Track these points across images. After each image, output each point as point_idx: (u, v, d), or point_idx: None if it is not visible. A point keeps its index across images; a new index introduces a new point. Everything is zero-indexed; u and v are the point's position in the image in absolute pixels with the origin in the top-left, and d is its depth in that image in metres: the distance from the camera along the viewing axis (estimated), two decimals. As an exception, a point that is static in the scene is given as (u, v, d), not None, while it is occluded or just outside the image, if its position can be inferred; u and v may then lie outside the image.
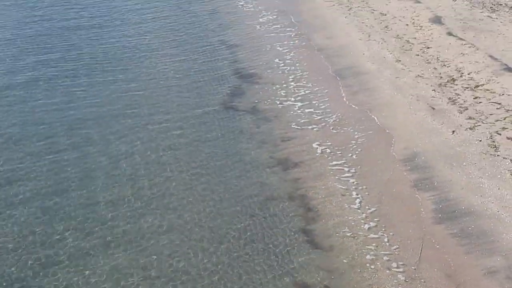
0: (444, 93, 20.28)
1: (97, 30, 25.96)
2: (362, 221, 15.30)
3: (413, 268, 13.69)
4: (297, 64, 22.83)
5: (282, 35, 24.92)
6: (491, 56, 21.98)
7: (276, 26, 25.59)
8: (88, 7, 28.69)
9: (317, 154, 18.00)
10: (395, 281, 13.38)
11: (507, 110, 19.11)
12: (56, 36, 25.55)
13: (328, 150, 18.20)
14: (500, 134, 18.09)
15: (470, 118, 18.95)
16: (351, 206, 15.85)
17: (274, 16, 26.40)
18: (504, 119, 18.75)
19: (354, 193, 16.35)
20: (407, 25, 24.52)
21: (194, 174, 17.35)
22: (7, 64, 23.27)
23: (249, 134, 19.02)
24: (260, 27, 25.67)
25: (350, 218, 15.39)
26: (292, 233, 15.06)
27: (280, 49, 23.91)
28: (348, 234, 14.87)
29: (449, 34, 23.60)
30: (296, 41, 24.37)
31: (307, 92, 21.17)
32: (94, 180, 16.79)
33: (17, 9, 28.92)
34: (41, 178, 16.88)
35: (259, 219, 15.54)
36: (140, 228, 15.20)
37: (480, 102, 19.63)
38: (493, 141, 17.85)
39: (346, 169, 17.36)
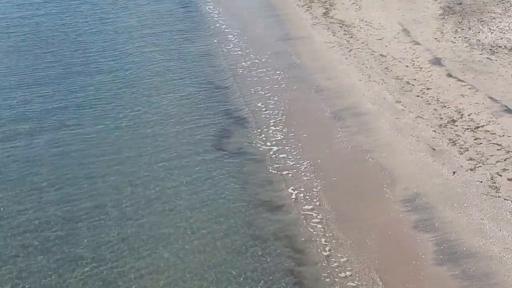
0: (444, 134, 20.25)
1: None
2: (360, 262, 15.12)
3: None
4: (293, 106, 22.84)
5: (279, 77, 24.99)
6: (491, 98, 22.02)
7: (274, 66, 25.69)
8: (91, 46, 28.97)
9: (311, 194, 17.90)
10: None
11: (508, 152, 19.05)
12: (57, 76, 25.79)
13: (322, 192, 18.10)
14: (501, 176, 18.00)
15: (470, 159, 18.88)
16: (345, 246, 15.69)
17: (270, 58, 26.52)
18: (505, 160, 18.69)
19: (349, 233, 16.21)
20: (407, 66, 24.64)
21: (180, 213, 17.29)
22: None
23: (235, 175, 18.99)
24: (256, 68, 25.77)
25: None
26: (280, 274, 14.96)
27: (276, 90, 23.95)
28: (342, 275, 14.70)
29: (449, 75, 23.69)
30: (294, 82, 24.44)
31: (302, 134, 21.15)
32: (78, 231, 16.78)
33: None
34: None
35: (246, 258, 15.47)
36: (126, 265, 15.10)
37: (481, 143, 19.58)
38: (494, 183, 17.75)
39: (344, 210, 17.24)
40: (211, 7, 31.91)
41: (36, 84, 24.29)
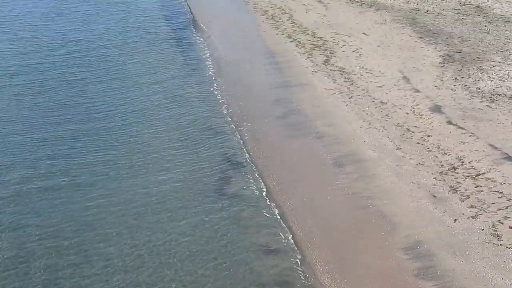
0: (445, 181, 20.21)
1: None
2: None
3: None
4: (294, 152, 22.85)
5: (280, 122, 25.05)
6: (491, 145, 22.04)
7: (274, 112, 25.77)
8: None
9: (310, 240, 17.77)
10: None
11: (509, 199, 18.98)
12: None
13: (321, 238, 17.97)
14: (502, 223, 17.90)
15: (472, 206, 18.80)
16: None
17: (271, 104, 26.63)
18: (506, 208, 18.61)
19: (350, 281, 16.03)
20: (407, 113, 24.73)
21: (184, 258, 17.18)
22: None
23: (235, 220, 18.94)
24: (257, 114, 25.85)
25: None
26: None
27: (277, 136, 23.98)
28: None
29: (449, 123, 23.76)
30: (295, 129, 24.48)
31: (302, 180, 21.11)
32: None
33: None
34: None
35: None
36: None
37: (482, 191, 19.53)
38: (496, 230, 17.64)
39: (344, 257, 17.09)
40: (212, 54, 32.10)
41: (41, 131, 24.33)
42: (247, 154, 22.85)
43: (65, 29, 34.12)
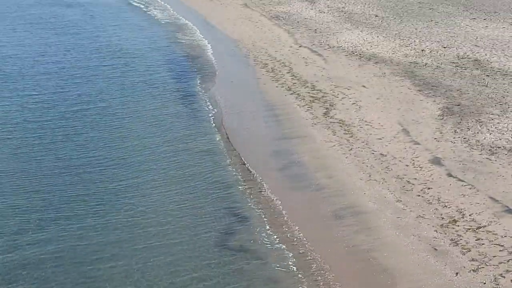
0: (446, 234, 20.11)
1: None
2: None
3: None
4: (294, 204, 22.81)
5: (280, 174, 25.06)
6: (491, 198, 22.00)
7: (275, 164, 25.81)
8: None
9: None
10: None
11: (510, 253, 18.85)
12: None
13: (328, 291, 17.81)
14: (504, 277, 17.74)
15: (473, 260, 18.66)
16: None
17: (272, 156, 26.67)
18: (508, 261, 18.46)
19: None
20: (407, 165, 24.76)
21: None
22: None
23: (239, 274, 18.79)
24: (258, 166, 25.87)
25: None
26: None
27: (277, 188, 23.96)
28: None
29: (449, 175, 23.76)
30: (295, 181, 24.47)
31: (302, 233, 21.01)
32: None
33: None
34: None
35: None
36: None
37: (483, 244, 19.41)
38: (498, 284, 17.47)
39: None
40: (212, 106, 32.31)
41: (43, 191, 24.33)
42: (249, 206, 22.79)
43: (66, 83, 34.22)
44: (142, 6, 54.37)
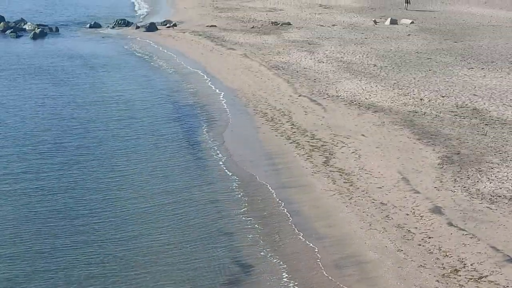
0: (448, 284, 19.93)
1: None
2: None
3: None
4: (294, 254, 22.68)
5: (279, 225, 24.99)
6: (493, 247, 21.87)
7: (273, 216, 25.75)
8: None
9: None
10: None
11: (513, 303, 18.66)
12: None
13: None
14: (507, 328, 17.52)
15: (475, 310, 18.46)
16: None
17: (272, 206, 26.62)
18: (511, 312, 18.26)
19: None
20: (407, 214, 24.70)
21: None
22: None
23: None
24: (258, 215, 25.79)
25: None
26: None
27: (277, 238, 23.87)
28: None
29: (450, 224, 23.68)
30: (294, 230, 24.41)
31: (303, 283, 20.85)
32: None
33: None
34: None
35: None
36: None
37: (485, 294, 19.23)
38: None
39: None
40: (210, 156, 32.34)
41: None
42: (250, 256, 22.66)
43: (65, 135, 34.05)
44: (146, 57, 54.90)
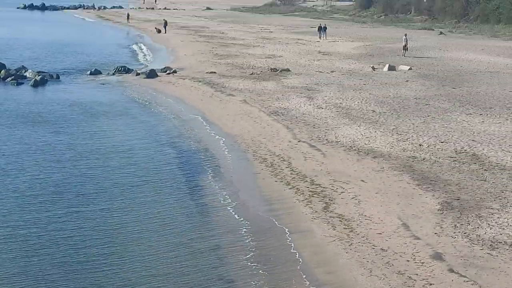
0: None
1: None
2: None
3: None
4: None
5: (278, 270, 24.80)
6: (495, 294, 21.68)
7: (274, 261, 25.57)
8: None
9: None
10: None
11: None
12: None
13: None
14: None
15: None
16: None
17: (272, 252, 26.45)
18: None
19: None
20: (408, 261, 24.52)
21: None
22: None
23: None
24: (259, 264, 25.62)
25: None
26: None
27: (276, 285, 23.67)
28: None
29: (451, 271, 23.49)
30: (293, 276, 24.22)
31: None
32: None
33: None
34: None
35: None
36: None
37: None
38: None
39: None
40: (210, 202, 32.30)
41: None
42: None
43: (64, 183, 33.76)
44: (146, 104, 55.36)
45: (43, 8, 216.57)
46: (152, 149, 40.99)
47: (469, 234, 26.50)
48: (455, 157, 36.89)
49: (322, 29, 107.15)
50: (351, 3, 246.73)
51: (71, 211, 30.39)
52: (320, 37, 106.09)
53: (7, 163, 36.73)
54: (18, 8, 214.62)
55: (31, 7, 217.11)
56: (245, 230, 28.50)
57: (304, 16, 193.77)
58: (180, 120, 48.84)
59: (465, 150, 38.20)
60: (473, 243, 25.66)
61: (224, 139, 42.58)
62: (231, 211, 30.65)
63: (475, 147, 38.74)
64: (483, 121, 45.48)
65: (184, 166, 37.56)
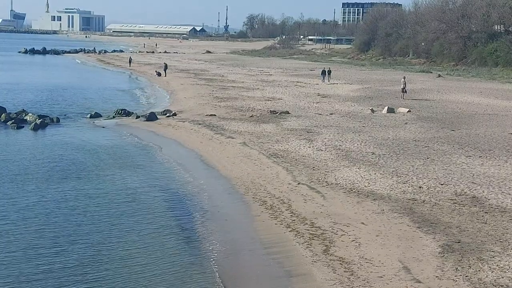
0: None
1: None
2: None
3: None
4: None
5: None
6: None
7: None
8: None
9: None
10: None
11: None
12: None
13: None
14: None
15: None
16: None
17: (275, 295, 26.17)
18: None
19: None
20: (409, 305, 24.23)
21: None
22: None
23: None
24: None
25: None
26: None
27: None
28: None
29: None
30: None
31: None
32: None
33: None
34: None
35: None
36: None
37: None
38: None
39: None
40: (209, 248, 32.07)
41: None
42: None
43: (65, 232, 33.35)
44: (145, 147, 55.42)
45: (44, 52, 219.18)
46: (149, 194, 40.74)
47: (470, 277, 26.25)
48: (455, 200, 36.76)
49: (326, 73, 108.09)
50: (350, 46, 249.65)
51: (70, 263, 30.14)
52: (323, 81, 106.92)
53: (7, 210, 36.43)
54: (19, 52, 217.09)
55: (32, 51, 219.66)
56: (242, 273, 28.24)
57: (303, 59, 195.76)
58: (180, 163, 48.80)
59: (465, 193, 38.10)
60: (475, 287, 25.39)
61: (223, 181, 42.50)
62: (227, 254, 30.41)
63: (475, 190, 38.65)
64: (482, 163, 45.47)
65: (182, 210, 37.36)
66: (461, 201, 36.45)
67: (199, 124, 63.14)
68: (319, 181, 40.98)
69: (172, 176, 44.83)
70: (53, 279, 27.44)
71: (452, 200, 36.75)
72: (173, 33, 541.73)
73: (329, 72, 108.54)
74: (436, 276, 26.57)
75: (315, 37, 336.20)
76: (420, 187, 39.30)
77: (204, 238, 32.60)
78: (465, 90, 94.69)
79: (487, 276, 26.34)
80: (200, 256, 30.38)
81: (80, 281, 27.15)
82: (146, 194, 40.36)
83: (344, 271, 27.65)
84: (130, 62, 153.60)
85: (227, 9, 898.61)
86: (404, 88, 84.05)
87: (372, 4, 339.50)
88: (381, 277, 26.82)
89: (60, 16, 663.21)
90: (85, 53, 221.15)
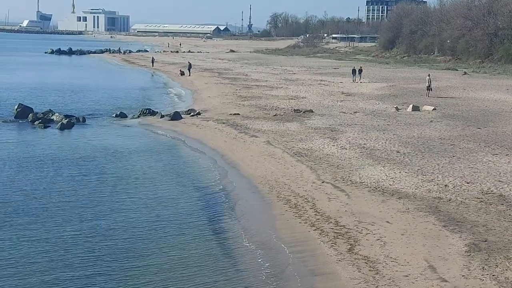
0: None
1: None
2: None
3: None
4: None
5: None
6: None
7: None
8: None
9: None
10: None
11: None
12: None
13: None
14: None
15: None
16: None
17: (300, 294, 26.14)
18: None
19: None
20: (435, 304, 24.06)
21: None
22: None
23: None
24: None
25: None
26: None
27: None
28: None
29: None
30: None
31: None
32: None
33: None
34: None
35: None
36: None
37: None
38: None
39: None
40: (232, 246, 32.12)
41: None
42: None
43: (92, 229, 33.52)
44: (170, 146, 55.69)
45: (70, 52, 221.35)
46: (176, 193, 40.94)
47: (497, 277, 25.98)
48: (482, 198, 36.41)
49: (356, 72, 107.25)
50: (374, 44, 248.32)
51: (92, 262, 30.27)
52: (353, 80, 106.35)
53: (34, 206, 36.79)
54: (45, 53, 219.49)
55: (59, 51, 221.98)
56: (267, 272, 28.28)
57: (326, 57, 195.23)
58: (205, 161, 48.98)
59: (492, 191, 37.71)
60: (502, 286, 25.13)
61: (247, 180, 42.54)
62: (254, 253, 30.45)
63: (502, 188, 38.24)
64: (509, 161, 44.96)
65: (206, 208, 37.51)
66: (488, 200, 36.08)
67: (223, 123, 63.27)
68: (343, 180, 40.83)
69: (196, 175, 44.99)
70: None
71: (479, 198, 36.39)
72: (197, 33, 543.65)
73: (360, 71, 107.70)
74: (463, 275, 26.34)
75: (339, 35, 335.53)
76: (445, 186, 38.96)
77: (229, 237, 32.72)
78: (491, 88, 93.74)
79: (514, 275, 26.07)
80: (226, 253, 30.52)
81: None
82: (173, 194, 40.56)
83: (369, 270, 27.51)
84: (152, 62, 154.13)
85: (250, 8, 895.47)
86: (429, 86, 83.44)
87: (396, 1, 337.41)
88: (407, 276, 26.65)
89: (86, 17, 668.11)
90: (110, 53, 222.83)
